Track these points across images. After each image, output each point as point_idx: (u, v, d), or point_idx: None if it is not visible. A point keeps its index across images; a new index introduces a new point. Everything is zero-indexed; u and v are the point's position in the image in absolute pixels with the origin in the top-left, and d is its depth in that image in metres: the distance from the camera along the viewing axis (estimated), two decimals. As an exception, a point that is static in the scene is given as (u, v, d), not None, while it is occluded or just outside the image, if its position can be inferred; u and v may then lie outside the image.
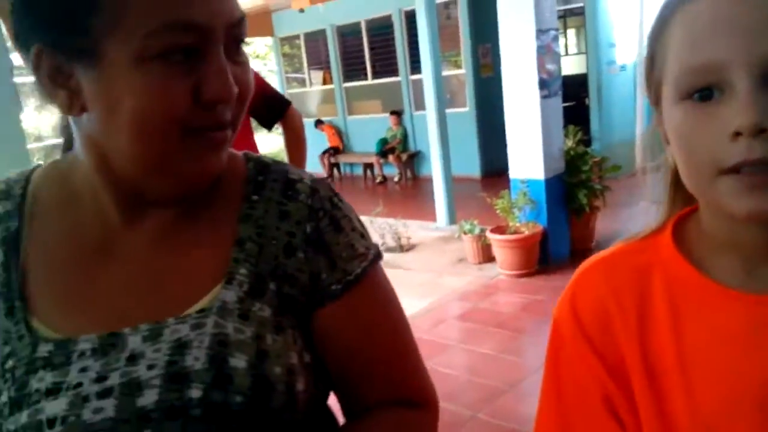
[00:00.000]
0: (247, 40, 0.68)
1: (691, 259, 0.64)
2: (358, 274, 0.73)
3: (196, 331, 0.65)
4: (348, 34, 10.37)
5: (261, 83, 2.63)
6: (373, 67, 10.24)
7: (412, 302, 4.55)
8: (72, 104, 0.63)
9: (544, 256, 4.90)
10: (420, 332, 4.10)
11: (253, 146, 2.66)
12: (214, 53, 0.62)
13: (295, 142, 2.73)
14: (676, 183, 0.66)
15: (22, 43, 0.63)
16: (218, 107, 0.63)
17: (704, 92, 0.56)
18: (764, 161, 0.53)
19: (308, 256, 0.71)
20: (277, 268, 0.70)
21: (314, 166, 10.63)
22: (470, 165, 8.90)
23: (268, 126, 2.73)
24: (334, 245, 0.72)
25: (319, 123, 10.74)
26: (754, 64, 0.53)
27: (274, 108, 2.65)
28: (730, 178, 0.55)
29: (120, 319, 0.66)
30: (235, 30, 0.64)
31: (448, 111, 6.75)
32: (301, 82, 11.76)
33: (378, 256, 0.77)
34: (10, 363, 0.65)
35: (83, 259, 0.70)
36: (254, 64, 17.20)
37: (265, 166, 0.76)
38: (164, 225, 0.71)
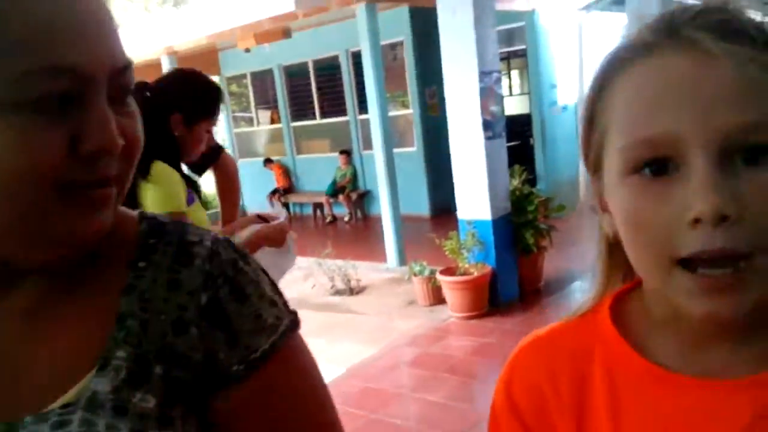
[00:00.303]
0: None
1: (630, 339, 0.59)
2: (266, 350, 0.63)
3: (58, 431, 0.55)
4: (295, 74, 10.37)
5: None
6: (321, 106, 10.24)
7: (362, 348, 4.46)
8: None
9: (494, 298, 4.89)
10: (371, 380, 4.01)
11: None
12: (95, 101, 0.55)
13: (228, 188, 2.64)
14: (611, 253, 0.62)
15: None
16: (100, 161, 0.55)
17: (656, 166, 0.50)
18: (724, 253, 0.47)
19: (203, 332, 0.61)
20: (165, 349, 0.60)
21: (263, 206, 10.51)
22: (419, 204, 8.92)
23: (199, 172, 2.64)
24: (235, 317, 0.62)
25: (267, 162, 10.64)
26: (711, 140, 0.47)
27: (205, 154, 2.57)
28: (686, 278, 0.50)
29: None
30: (120, 78, 0.57)
31: (397, 150, 6.76)
32: (249, 121, 11.64)
33: (293, 325, 0.67)
34: None
35: None
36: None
37: (160, 227, 0.66)
38: (34, 299, 0.61)
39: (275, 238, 2.16)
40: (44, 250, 0.58)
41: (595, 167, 0.58)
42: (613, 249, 0.60)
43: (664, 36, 0.51)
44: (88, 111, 0.54)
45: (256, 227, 2.20)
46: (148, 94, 2.06)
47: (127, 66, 0.58)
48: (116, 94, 0.57)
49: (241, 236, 2.16)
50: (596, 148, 0.57)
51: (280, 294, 0.68)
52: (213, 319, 0.61)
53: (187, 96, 2.07)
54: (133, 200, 2.08)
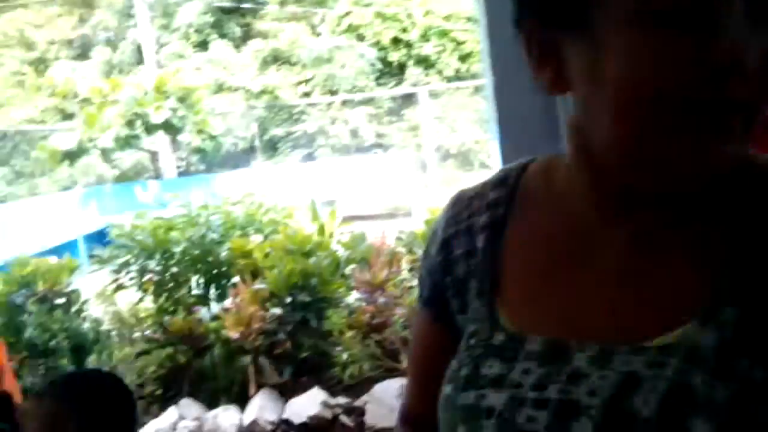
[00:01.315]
0: None
1: None
2: None
3: (652, 370, 0.54)
4: None
5: None
6: None
7: None
8: (556, 82, 0.60)
9: None
10: None
11: None
12: (722, 20, 0.52)
13: None
14: None
15: (519, 24, 0.62)
16: (728, 81, 0.51)
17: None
18: None
19: None
20: None
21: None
22: None
23: None
24: None
25: None
26: None
27: None
28: None
29: (570, 328, 0.61)
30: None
31: None
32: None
33: None
34: (472, 341, 0.66)
35: (552, 257, 0.66)
36: None
37: None
38: (644, 231, 0.61)
39: None
40: (661, 177, 0.57)
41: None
42: None
43: None
44: (713, 25, 0.51)
45: None
46: None
47: None
48: (754, 13, 0.53)
49: None
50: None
51: None
52: None
53: None
54: None
